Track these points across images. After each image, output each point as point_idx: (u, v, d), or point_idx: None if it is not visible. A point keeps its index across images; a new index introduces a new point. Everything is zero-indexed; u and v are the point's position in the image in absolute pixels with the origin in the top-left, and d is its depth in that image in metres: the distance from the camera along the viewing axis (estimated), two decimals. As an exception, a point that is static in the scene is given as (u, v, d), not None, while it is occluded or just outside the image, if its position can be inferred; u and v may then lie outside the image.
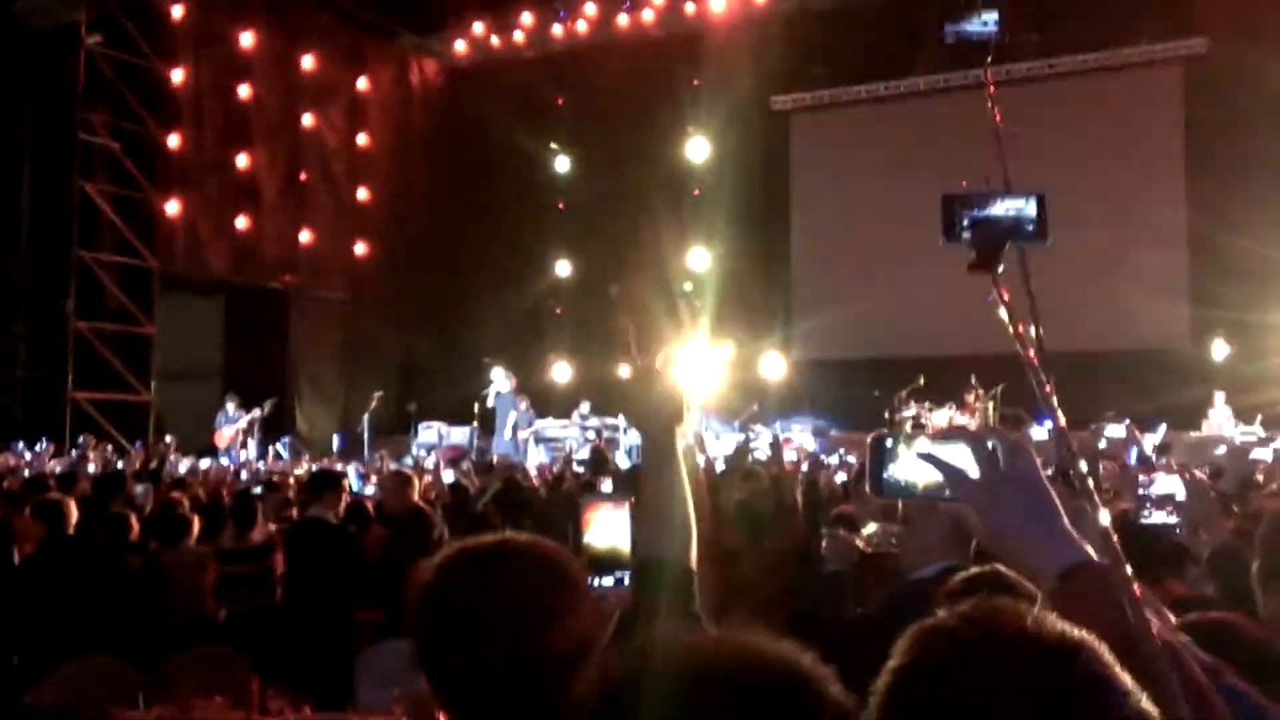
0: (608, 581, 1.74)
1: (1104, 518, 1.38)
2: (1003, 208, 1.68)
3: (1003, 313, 1.58)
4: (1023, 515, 1.34)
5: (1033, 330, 1.56)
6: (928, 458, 1.41)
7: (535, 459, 14.37)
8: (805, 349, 18.11)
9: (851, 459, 11.67)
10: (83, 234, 15.49)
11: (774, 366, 17.08)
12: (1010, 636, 0.98)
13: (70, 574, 5.71)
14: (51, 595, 5.61)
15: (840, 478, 9.17)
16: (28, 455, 12.13)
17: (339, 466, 11.21)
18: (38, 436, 12.93)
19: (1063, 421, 1.50)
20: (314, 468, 10.90)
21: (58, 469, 10.02)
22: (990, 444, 1.39)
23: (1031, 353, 1.45)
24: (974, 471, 1.38)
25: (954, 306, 16.95)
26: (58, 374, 14.94)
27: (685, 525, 1.80)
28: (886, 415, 14.63)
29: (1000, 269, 1.67)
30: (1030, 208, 1.68)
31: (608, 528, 1.76)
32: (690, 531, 1.80)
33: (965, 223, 1.67)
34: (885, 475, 1.46)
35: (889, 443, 1.47)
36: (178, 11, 16.16)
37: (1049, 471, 1.40)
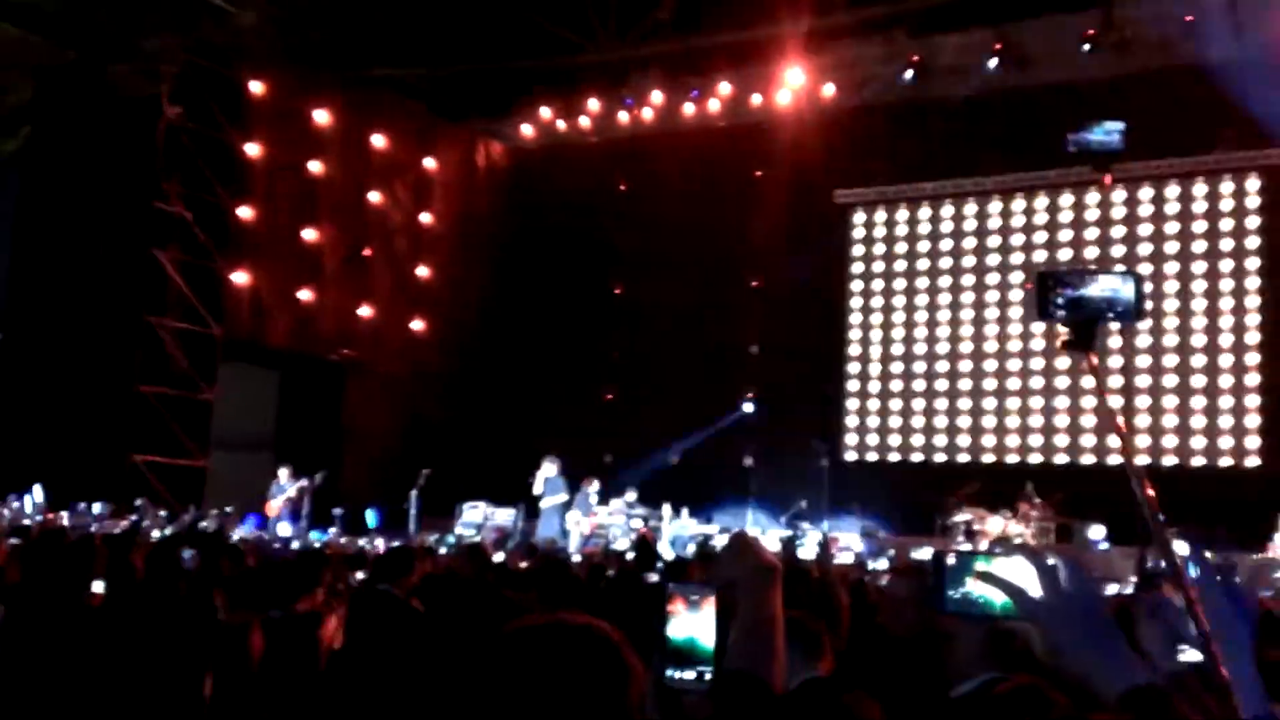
0: (688, 675, 1.72)
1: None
2: (1098, 288, 1.68)
3: (1095, 394, 1.55)
4: (1084, 635, 1.40)
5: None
6: (988, 577, 1.44)
7: (578, 544, 14.22)
8: (857, 447, 17.90)
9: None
10: (151, 299, 15.85)
11: (824, 463, 16.85)
12: None
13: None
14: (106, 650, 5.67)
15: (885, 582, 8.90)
16: (90, 515, 12.23)
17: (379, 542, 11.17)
18: (96, 497, 13.04)
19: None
20: (394, 544, 10.86)
21: (115, 530, 10.07)
22: (1052, 563, 1.43)
23: (1135, 458, 1.44)
24: (1035, 589, 1.42)
25: (1012, 411, 16.80)
26: (118, 436, 15.15)
27: (780, 650, 1.86)
28: (938, 520, 14.32)
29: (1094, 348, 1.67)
30: (1127, 288, 1.68)
31: (687, 622, 1.74)
32: (783, 658, 1.87)
33: (1060, 301, 1.67)
34: (949, 593, 1.48)
35: (951, 560, 1.49)
36: (257, 88, 16.69)
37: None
